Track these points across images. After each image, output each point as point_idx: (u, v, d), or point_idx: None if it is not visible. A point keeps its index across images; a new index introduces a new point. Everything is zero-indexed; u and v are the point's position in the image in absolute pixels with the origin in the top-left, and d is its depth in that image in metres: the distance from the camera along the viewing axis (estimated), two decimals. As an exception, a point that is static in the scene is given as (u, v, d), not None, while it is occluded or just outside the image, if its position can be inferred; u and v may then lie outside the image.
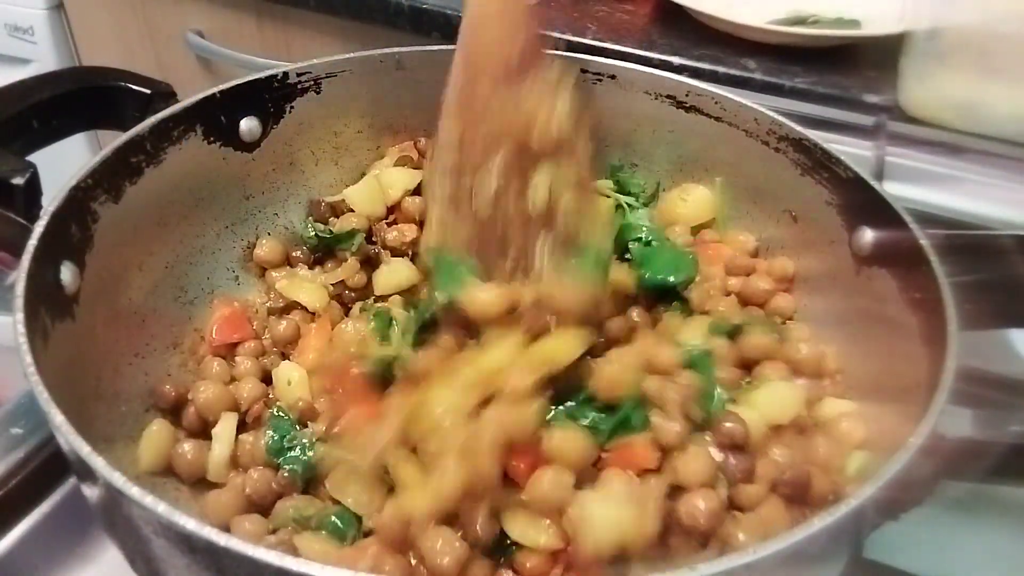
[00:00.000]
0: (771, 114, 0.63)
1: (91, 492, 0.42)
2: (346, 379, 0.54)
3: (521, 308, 0.52)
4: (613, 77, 0.69)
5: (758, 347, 0.58)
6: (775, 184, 0.64)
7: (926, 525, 0.50)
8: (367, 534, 0.48)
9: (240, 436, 0.55)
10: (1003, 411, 0.49)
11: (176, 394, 0.55)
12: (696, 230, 0.69)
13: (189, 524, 0.35)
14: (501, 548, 0.48)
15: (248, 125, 0.65)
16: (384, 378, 0.53)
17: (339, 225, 0.67)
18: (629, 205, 0.70)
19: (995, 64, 0.85)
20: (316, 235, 0.66)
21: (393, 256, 0.67)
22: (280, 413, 0.55)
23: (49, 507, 0.55)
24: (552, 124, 0.52)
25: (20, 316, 0.43)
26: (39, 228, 0.48)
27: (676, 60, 1.03)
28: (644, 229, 0.66)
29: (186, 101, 0.61)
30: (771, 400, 0.53)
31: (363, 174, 0.73)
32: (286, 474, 0.51)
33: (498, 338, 0.52)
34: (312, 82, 0.67)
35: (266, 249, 0.66)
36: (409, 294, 0.65)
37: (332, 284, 0.65)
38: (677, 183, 0.71)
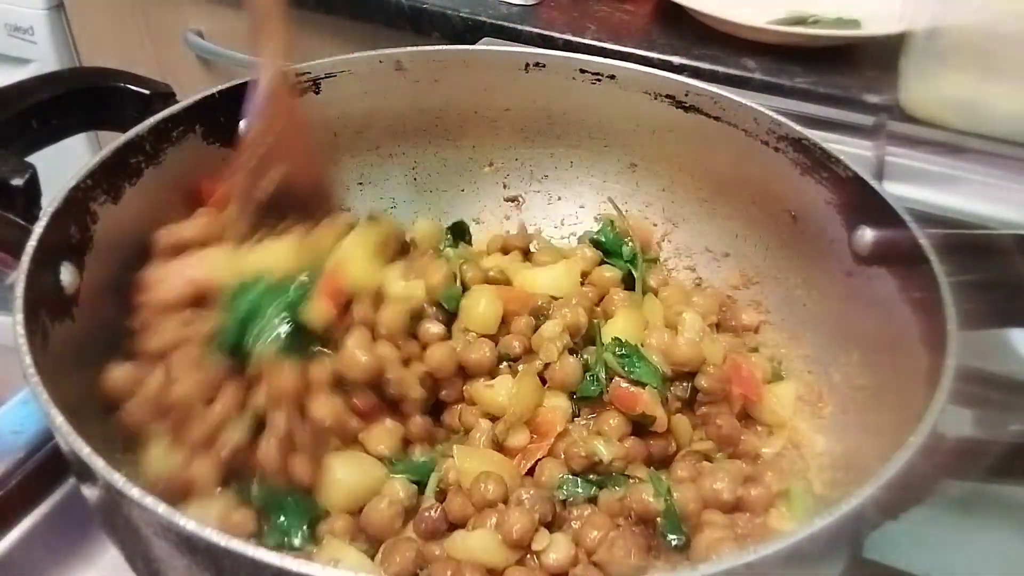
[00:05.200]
0: (771, 114, 0.63)
1: (91, 493, 0.42)
2: None
3: None
4: (613, 77, 0.69)
5: None
6: (775, 184, 0.64)
7: (926, 525, 0.50)
8: None
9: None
10: (1003, 411, 0.49)
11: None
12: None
13: (190, 525, 0.35)
14: None
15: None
16: None
17: None
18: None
19: (995, 64, 0.85)
20: None
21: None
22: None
23: (49, 507, 0.55)
24: None
25: (20, 316, 0.43)
26: (39, 229, 0.48)
27: (676, 60, 1.03)
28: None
29: (186, 101, 0.61)
30: None
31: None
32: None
33: None
34: (312, 82, 0.67)
35: None
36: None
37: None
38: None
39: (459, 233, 0.73)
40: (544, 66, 0.70)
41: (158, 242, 0.56)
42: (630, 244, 0.68)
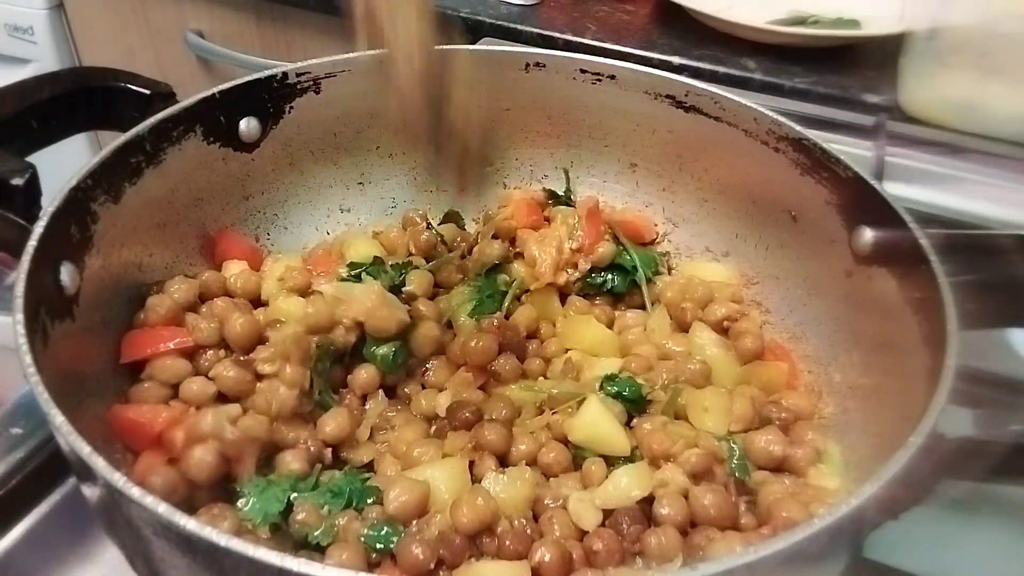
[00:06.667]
0: (771, 114, 0.63)
1: (91, 492, 0.42)
2: None
3: None
4: (613, 77, 0.69)
5: None
6: (775, 184, 0.64)
7: (926, 525, 0.50)
8: None
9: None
10: (1003, 411, 0.49)
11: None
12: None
13: (190, 525, 0.35)
14: None
15: (248, 125, 0.65)
16: None
17: None
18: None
19: (995, 64, 0.85)
20: None
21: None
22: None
23: (49, 507, 0.55)
24: None
25: (20, 316, 0.43)
26: (39, 229, 0.48)
27: (676, 60, 1.03)
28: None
29: (186, 101, 0.61)
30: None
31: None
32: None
33: None
34: (312, 82, 0.67)
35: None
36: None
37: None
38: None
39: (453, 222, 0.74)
40: (544, 66, 0.70)
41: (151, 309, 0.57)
42: (629, 256, 0.68)
